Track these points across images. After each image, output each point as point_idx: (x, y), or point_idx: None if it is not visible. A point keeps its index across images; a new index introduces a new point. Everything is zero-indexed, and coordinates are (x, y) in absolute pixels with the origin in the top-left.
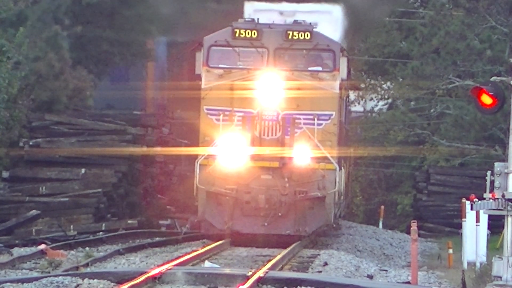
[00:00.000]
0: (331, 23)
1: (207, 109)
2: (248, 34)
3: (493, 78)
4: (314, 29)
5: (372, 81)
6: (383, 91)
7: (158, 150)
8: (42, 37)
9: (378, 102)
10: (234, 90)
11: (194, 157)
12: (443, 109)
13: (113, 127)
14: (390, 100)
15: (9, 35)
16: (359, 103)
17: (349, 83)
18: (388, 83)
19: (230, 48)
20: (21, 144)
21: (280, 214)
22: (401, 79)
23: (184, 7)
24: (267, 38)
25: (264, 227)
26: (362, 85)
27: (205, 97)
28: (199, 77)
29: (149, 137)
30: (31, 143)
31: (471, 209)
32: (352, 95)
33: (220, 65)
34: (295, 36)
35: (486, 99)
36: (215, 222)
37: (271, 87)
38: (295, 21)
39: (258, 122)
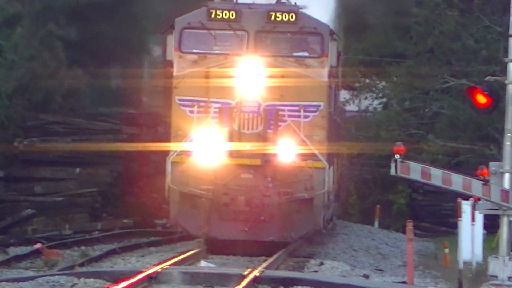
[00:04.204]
0: (321, 6)
1: (180, 100)
2: (226, 15)
3: (488, 77)
4: (300, 10)
5: (367, 80)
6: (377, 90)
7: (129, 145)
8: (37, 36)
9: (372, 101)
10: (210, 78)
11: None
12: (438, 108)
13: (108, 126)
14: (384, 100)
15: (4, 35)
16: (353, 102)
17: (339, 70)
18: (383, 82)
19: (205, 31)
20: (16, 143)
21: (262, 218)
22: (395, 78)
23: (180, 5)
24: (247, 20)
25: (244, 233)
26: (357, 84)
27: (177, 86)
28: (170, 64)
29: (144, 136)
30: (26, 143)
31: (474, 209)
32: (347, 94)
33: (194, 50)
34: (278, 17)
35: (481, 99)
36: (189, 227)
37: (251, 74)
38: (278, 1)
39: (237, 114)
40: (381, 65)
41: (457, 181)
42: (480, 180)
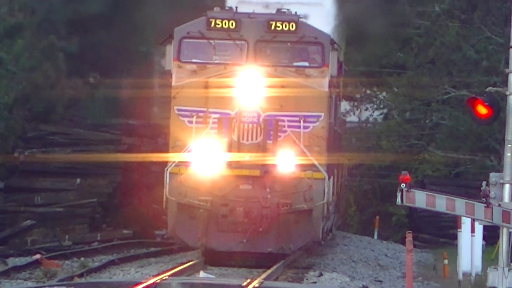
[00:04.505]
0: (322, 16)
1: (178, 110)
2: (225, 24)
3: (489, 88)
4: (300, 19)
5: (368, 91)
6: (378, 101)
7: (129, 156)
8: (38, 47)
9: (373, 112)
10: (209, 88)
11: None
12: (439, 119)
13: (108, 137)
14: (385, 110)
15: (5, 46)
16: (354, 113)
17: (340, 80)
18: (384, 93)
19: (205, 41)
20: (16, 154)
21: (261, 229)
22: (396, 89)
23: (179, 15)
24: (247, 29)
25: (242, 244)
26: (358, 95)
27: (176, 96)
28: (169, 74)
29: (144, 147)
30: (26, 153)
31: (473, 220)
32: (347, 105)
33: (193, 60)
34: (279, 27)
35: (482, 110)
36: (187, 238)
37: (251, 84)
38: (279, 10)
39: (237, 124)
40: (382, 76)
41: (460, 206)
42: (482, 203)
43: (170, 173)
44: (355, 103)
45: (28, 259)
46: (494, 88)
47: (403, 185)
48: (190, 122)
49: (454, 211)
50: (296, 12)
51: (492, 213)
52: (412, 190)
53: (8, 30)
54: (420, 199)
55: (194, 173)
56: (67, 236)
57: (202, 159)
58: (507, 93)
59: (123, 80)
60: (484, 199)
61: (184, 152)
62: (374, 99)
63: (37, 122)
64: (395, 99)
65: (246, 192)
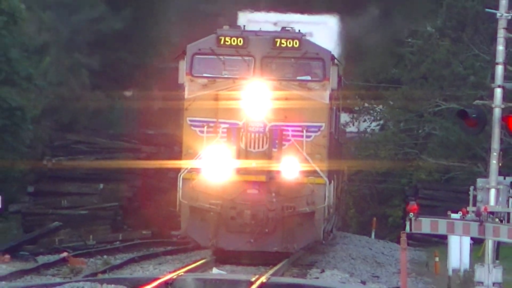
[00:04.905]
0: (326, 34)
1: (191, 120)
2: (234, 41)
3: (476, 101)
4: (303, 37)
5: (366, 104)
6: (375, 113)
7: (147, 163)
8: (64, 64)
9: (370, 123)
10: (219, 101)
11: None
12: (431, 129)
13: (128, 145)
14: (382, 122)
15: (34, 62)
16: (353, 124)
17: (340, 92)
18: (380, 106)
19: (215, 57)
20: (44, 161)
21: (267, 230)
22: (392, 102)
23: (192, 31)
24: (254, 46)
25: (250, 244)
26: (356, 108)
27: (189, 108)
28: (182, 87)
29: (161, 155)
30: (53, 161)
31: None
32: (347, 117)
33: (204, 74)
34: (283, 43)
35: (471, 121)
36: (199, 238)
37: (257, 97)
38: (283, 29)
39: (244, 134)
40: (379, 90)
41: (458, 227)
42: (477, 222)
43: (183, 178)
44: (354, 115)
45: (56, 257)
46: (481, 101)
47: (411, 215)
48: (202, 131)
49: (453, 232)
50: (299, 30)
51: (484, 230)
52: (419, 218)
53: (37, 48)
54: (425, 225)
55: (205, 179)
56: (91, 236)
57: (212, 166)
58: (493, 105)
59: (141, 93)
60: (478, 217)
61: (195, 159)
62: (372, 111)
63: (63, 132)
64: (391, 111)
65: (253, 196)
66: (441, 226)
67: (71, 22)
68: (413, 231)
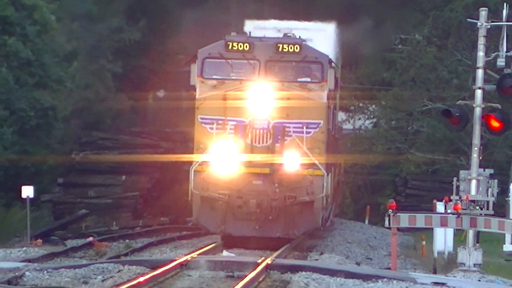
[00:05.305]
0: (325, 39)
1: (201, 118)
2: (241, 46)
3: (459, 102)
4: (304, 42)
5: (360, 104)
6: (369, 112)
7: (164, 157)
8: (90, 69)
9: (365, 121)
10: (227, 100)
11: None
12: (419, 127)
13: (148, 142)
14: (375, 120)
15: (63, 67)
16: (349, 122)
17: (337, 92)
18: (374, 106)
19: (223, 60)
20: (73, 156)
21: (270, 217)
22: (384, 103)
23: (203, 39)
24: (259, 51)
25: (255, 230)
26: (352, 107)
27: (199, 107)
28: (194, 88)
29: (177, 150)
30: (81, 155)
31: (445, 209)
32: (344, 115)
33: (214, 76)
34: (285, 48)
35: (454, 119)
36: (209, 225)
37: (262, 97)
38: (285, 35)
39: (250, 130)
40: (372, 91)
41: (436, 219)
42: (454, 214)
43: (194, 171)
44: (350, 114)
45: (83, 241)
46: (464, 102)
47: (390, 211)
48: (211, 128)
49: (431, 225)
50: (300, 36)
51: (462, 221)
52: (397, 214)
53: (66, 54)
54: (404, 219)
55: (214, 171)
56: (114, 223)
57: (221, 159)
58: (474, 105)
59: (160, 95)
60: (455, 211)
61: (206, 153)
62: (366, 111)
63: (90, 130)
64: (383, 111)
65: (258, 187)
66: (419, 220)
67: (96, 31)
68: (391, 226)
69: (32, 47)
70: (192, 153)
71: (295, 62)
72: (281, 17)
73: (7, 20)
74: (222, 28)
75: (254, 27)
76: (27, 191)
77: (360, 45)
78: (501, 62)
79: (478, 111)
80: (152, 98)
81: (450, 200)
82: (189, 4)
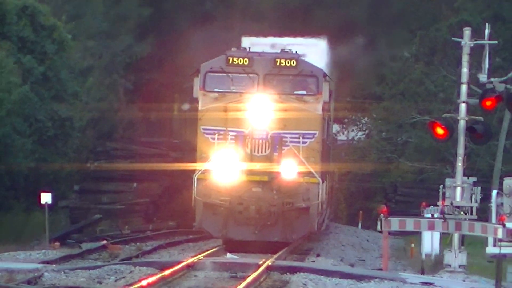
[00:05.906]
0: (317, 54)
1: (204, 129)
2: (241, 61)
3: (445, 114)
4: (300, 57)
5: (353, 116)
6: (361, 124)
7: (172, 166)
8: (104, 83)
9: (357, 132)
10: (228, 112)
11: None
12: (407, 138)
13: (157, 151)
14: (367, 131)
15: (79, 82)
16: (343, 133)
17: (332, 104)
18: (366, 118)
19: (224, 74)
20: (88, 164)
21: (269, 222)
22: (375, 115)
23: (208, 54)
24: (258, 65)
25: (255, 235)
26: (346, 120)
27: (202, 118)
28: (196, 100)
29: (185, 159)
30: (95, 164)
31: (422, 213)
32: (338, 127)
33: (215, 89)
34: (283, 63)
35: (440, 131)
36: (211, 230)
37: (261, 109)
38: (282, 50)
39: (249, 140)
40: (364, 104)
41: (424, 224)
42: (441, 219)
43: (197, 178)
44: (344, 126)
45: (97, 244)
46: (449, 114)
47: (382, 216)
48: (213, 138)
49: (419, 228)
50: (296, 51)
51: (448, 225)
52: (388, 219)
53: (82, 70)
54: (394, 224)
55: (216, 179)
56: (126, 227)
57: (222, 168)
58: (459, 118)
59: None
60: (441, 215)
61: (208, 162)
62: (358, 123)
63: (104, 140)
64: (374, 122)
65: (257, 193)
66: (408, 224)
67: (110, 48)
68: (383, 229)
69: (50, 64)
70: (195, 161)
71: (292, 75)
72: (279, 34)
73: (26, 40)
74: (222, 45)
75: (251, 43)
76: (46, 198)
77: (353, 61)
78: (483, 77)
79: (462, 123)
80: (162, 109)
81: (428, 205)
82: (198, 23)
